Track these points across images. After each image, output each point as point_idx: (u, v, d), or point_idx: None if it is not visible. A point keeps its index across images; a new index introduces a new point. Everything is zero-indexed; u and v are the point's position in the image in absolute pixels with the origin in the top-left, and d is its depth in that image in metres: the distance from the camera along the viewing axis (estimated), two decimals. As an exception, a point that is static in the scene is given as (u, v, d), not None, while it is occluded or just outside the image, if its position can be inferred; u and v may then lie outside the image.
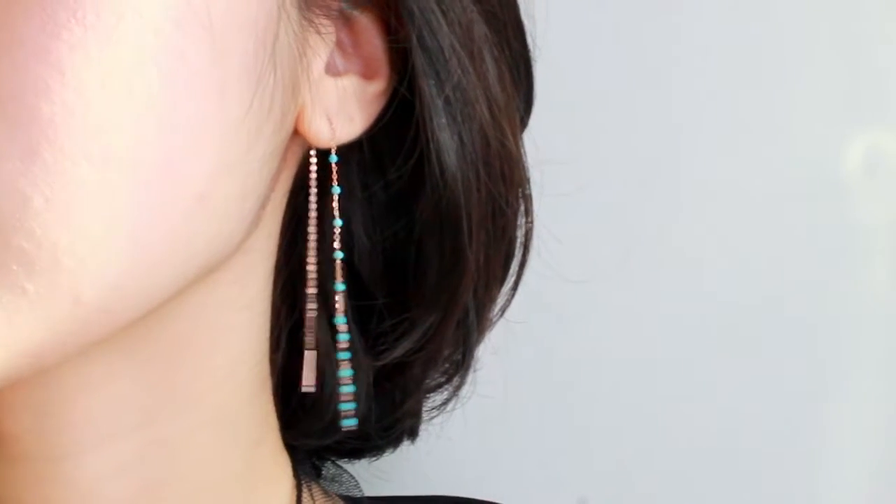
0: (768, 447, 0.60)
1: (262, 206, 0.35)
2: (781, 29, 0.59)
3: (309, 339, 0.39)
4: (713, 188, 0.60)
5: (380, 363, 0.40)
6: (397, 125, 0.37)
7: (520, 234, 0.41)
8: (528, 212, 0.41)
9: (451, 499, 0.45)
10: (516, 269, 0.42)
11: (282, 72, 0.33)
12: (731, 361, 0.60)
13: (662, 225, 0.61)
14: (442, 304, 0.39)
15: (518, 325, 0.43)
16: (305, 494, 0.41)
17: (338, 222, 0.38)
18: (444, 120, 0.36)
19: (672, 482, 0.61)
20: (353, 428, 0.39)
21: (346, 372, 0.39)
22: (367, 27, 0.36)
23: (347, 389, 0.39)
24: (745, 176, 0.59)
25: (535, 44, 0.40)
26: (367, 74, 0.36)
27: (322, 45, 0.35)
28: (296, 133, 0.35)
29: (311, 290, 0.38)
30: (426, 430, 0.45)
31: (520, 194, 0.40)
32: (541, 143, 0.42)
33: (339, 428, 0.40)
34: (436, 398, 0.43)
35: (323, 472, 0.45)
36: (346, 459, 0.46)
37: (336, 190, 0.37)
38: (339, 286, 0.38)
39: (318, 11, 0.34)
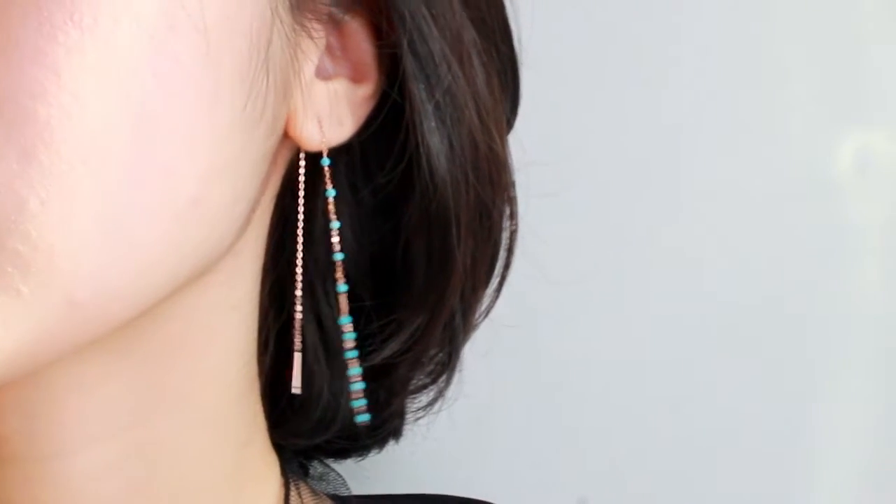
0: (764, 447, 0.60)
1: (253, 208, 0.35)
2: (772, 30, 0.59)
3: (297, 340, 0.39)
4: (704, 188, 0.60)
5: (367, 364, 0.41)
6: (386, 129, 0.37)
7: (504, 236, 0.41)
8: (513, 214, 0.41)
9: (439, 497, 0.45)
10: (501, 270, 0.42)
11: (274, 76, 0.33)
12: (725, 361, 0.60)
13: (654, 225, 0.60)
14: (429, 305, 0.39)
15: (506, 327, 0.44)
16: (293, 493, 0.41)
17: (335, 224, 0.38)
18: (433, 124, 0.36)
19: (665, 483, 0.61)
20: (367, 423, 0.40)
21: (355, 370, 0.39)
22: (356, 31, 0.36)
23: (358, 387, 0.39)
24: (738, 176, 0.59)
25: (524, 46, 0.41)
26: (355, 78, 0.37)
27: (313, 49, 0.35)
28: (285, 136, 0.35)
29: (299, 292, 0.38)
30: (411, 430, 0.45)
31: (506, 197, 0.40)
32: (541, 145, 0.42)
33: (326, 427, 0.40)
34: (421, 398, 0.44)
35: (311, 471, 0.45)
36: (332, 459, 0.46)
37: (331, 193, 0.37)
38: (342, 287, 0.39)
39: (309, 16, 0.34)
